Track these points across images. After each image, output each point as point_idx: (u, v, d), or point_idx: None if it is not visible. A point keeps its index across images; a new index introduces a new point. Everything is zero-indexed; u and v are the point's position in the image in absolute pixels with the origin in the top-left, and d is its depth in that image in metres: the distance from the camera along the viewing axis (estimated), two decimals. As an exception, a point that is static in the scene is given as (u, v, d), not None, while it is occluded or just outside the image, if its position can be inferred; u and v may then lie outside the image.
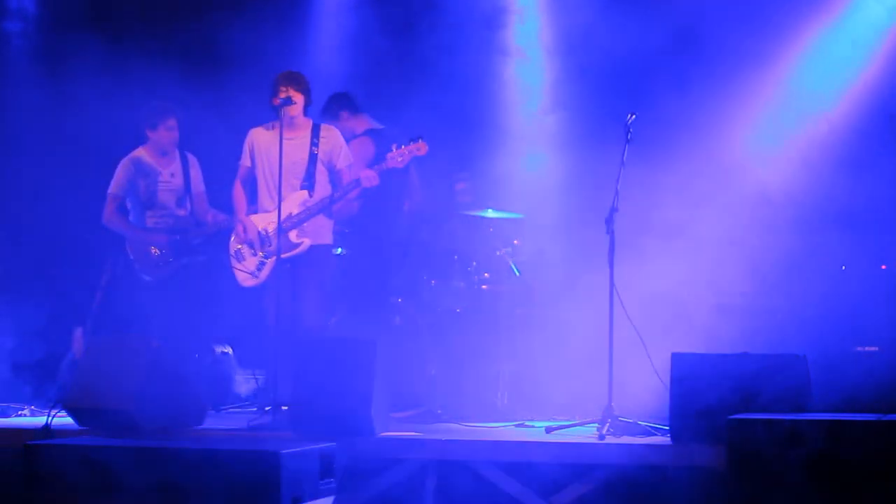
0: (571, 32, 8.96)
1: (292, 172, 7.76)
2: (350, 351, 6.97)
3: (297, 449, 5.94)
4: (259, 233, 7.86)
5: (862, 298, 7.90)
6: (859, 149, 8.07)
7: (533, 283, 8.52)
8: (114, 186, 8.49)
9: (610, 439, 6.73)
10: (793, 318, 7.81)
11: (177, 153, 8.58)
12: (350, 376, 6.86)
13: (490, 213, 8.66)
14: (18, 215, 9.41)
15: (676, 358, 6.59)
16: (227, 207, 8.22)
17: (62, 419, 7.32)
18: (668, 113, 8.09)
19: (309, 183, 7.81)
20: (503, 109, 9.21)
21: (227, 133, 8.51)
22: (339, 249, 8.42)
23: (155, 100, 8.60)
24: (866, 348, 7.83)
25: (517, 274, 8.50)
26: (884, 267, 8.10)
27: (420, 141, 7.83)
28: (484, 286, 8.39)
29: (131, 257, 8.43)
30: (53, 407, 7.35)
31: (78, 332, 8.61)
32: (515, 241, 8.63)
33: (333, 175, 7.87)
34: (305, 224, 7.78)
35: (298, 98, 7.73)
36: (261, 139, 7.87)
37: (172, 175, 8.54)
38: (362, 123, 8.76)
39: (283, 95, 7.67)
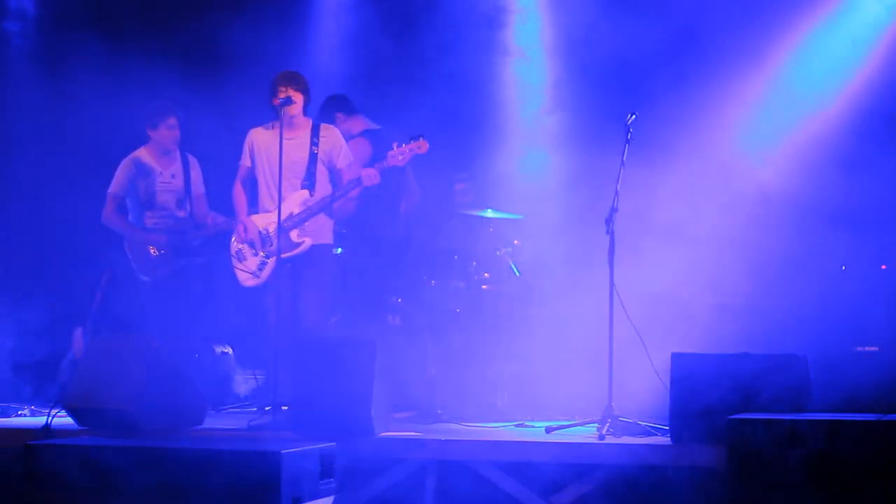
0: (572, 32, 8.96)
1: (293, 172, 7.76)
2: (350, 351, 6.96)
3: (297, 449, 5.92)
4: (260, 233, 7.86)
5: (862, 298, 7.90)
6: (859, 148, 8.07)
7: (533, 283, 8.51)
8: (114, 186, 8.49)
9: (610, 439, 6.72)
10: (793, 318, 7.80)
11: (178, 154, 8.57)
12: (350, 376, 6.86)
13: (490, 214, 8.66)
14: (18, 215, 9.41)
15: (676, 358, 6.58)
16: (227, 207, 8.21)
17: (62, 419, 7.31)
18: (668, 113, 8.09)
19: (309, 182, 7.81)
20: (503, 109, 9.21)
21: (227, 133, 8.52)
22: (339, 249, 8.42)
23: (155, 100, 8.60)
24: (866, 348, 7.82)
25: (517, 274, 8.50)
26: (884, 267, 8.10)
27: (421, 139, 7.82)
28: (484, 286, 8.38)
29: (129, 257, 8.44)
30: (53, 407, 7.34)
31: (78, 332, 8.61)
32: (515, 241, 8.63)
33: (334, 174, 7.87)
34: (306, 223, 7.79)
35: (298, 98, 7.74)
36: (261, 139, 7.88)
37: (173, 176, 8.53)
38: (358, 124, 8.77)
39: (282, 95, 7.67)
